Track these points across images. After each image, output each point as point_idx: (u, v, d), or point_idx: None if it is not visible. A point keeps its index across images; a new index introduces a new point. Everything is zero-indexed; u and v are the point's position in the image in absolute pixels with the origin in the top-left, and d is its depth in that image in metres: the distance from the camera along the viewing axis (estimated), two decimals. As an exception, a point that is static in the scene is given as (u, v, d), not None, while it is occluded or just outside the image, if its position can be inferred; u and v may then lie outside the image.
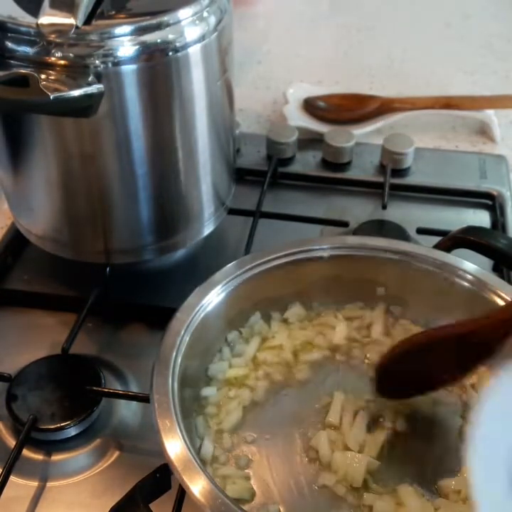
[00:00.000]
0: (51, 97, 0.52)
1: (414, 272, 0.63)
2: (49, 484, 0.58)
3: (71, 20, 0.53)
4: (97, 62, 0.55)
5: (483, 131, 0.99)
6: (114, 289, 0.72)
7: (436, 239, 0.66)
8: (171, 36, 0.57)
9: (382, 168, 0.90)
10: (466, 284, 0.61)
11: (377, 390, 0.58)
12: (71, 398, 0.61)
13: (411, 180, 0.89)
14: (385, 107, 0.99)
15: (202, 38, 0.60)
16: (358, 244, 0.65)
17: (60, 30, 0.54)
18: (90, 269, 0.70)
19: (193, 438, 0.54)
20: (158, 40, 0.57)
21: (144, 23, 0.57)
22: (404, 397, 0.57)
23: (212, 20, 0.61)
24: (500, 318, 0.51)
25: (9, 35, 0.56)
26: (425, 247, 0.65)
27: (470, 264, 0.62)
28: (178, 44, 0.58)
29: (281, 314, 0.65)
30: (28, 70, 0.54)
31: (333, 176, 0.90)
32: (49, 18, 0.54)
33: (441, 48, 1.21)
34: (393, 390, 0.57)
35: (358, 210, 0.84)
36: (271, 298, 0.64)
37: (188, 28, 0.58)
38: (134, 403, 0.63)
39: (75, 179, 0.63)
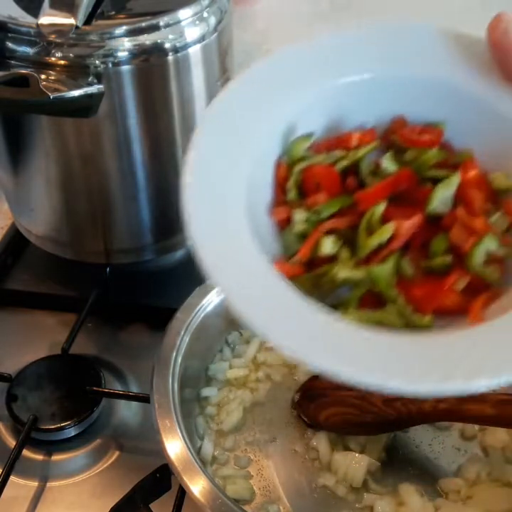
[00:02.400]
0: (51, 97, 0.52)
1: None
2: (49, 484, 0.58)
3: (71, 21, 0.53)
4: (97, 62, 0.55)
5: (483, 131, 0.99)
6: (114, 289, 0.72)
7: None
8: (171, 36, 0.57)
9: (382, 168, 0.90)
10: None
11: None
12: (71, 398, 0.61)
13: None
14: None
15: (202, 38, 0.60)
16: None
17: (60, 30, 0.54)
18: (90, 269, 0.70)
19: (193, 438, 0.54)
20: (159, 41, 0.57)
21: (144, 24, 0.57)
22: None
23: (212, 20, 0.61)
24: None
25: (9, 35, 0.56)
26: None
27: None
28: (178, 44, 0.58)
29: (282, 314, 0.65)
30: (28, 70, 0.54)
31: (333, 176, 0.89)
32: (49, 18, 0.54)
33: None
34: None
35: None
36: (271, 298, 0.64)
37: (188, 28, 0.58)
38: (134, 403, 0.63)
39: (75, 179, 0.63)
